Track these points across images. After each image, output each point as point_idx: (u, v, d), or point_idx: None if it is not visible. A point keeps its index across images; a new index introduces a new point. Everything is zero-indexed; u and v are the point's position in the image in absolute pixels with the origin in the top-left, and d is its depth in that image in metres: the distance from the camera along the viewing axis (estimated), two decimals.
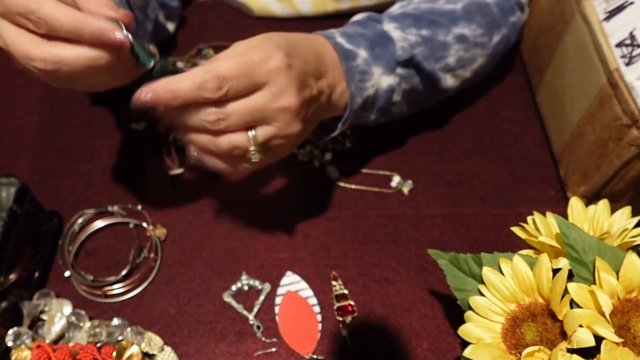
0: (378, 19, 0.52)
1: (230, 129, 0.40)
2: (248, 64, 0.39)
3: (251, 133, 0.41)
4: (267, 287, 0.52)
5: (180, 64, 0.68)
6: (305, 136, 0.46)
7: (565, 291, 0.35)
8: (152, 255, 0.54)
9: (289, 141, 0.43)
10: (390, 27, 0.51)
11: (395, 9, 0.56)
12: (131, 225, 0.56)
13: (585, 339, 0.33)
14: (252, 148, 0.41)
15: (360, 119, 0.52)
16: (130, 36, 0.37)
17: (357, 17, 0.54)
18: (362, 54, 0.48)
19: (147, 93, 0.38)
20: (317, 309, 0.51)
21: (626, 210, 0.43)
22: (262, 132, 0.41)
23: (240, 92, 0.39)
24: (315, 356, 0.48)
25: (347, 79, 0.47)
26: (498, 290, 0.39)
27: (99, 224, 0.56)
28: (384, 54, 0.49)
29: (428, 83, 0.54)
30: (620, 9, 0.49)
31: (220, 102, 0.39)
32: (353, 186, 0.59)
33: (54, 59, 0.35)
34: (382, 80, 0.50)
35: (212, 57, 0.42)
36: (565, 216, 0.41)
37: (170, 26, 0.69)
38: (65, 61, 0.35)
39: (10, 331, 0.46)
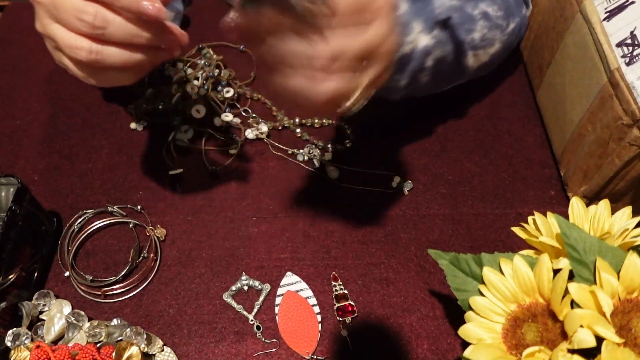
0: None
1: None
2: None
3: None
4: (267, 287, 0.52)
5: (179, 65, 0.68)
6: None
7: (566, 291, 0.35)
8: (151, 255, 0.54)
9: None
10: None
11: None
12: (131, 225, 0.56)
13: (586, 339, 0.33)
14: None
15: (390, 82, 0.50)
16: None
17: None
18: (404, 5, 0.47)
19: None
20: (317, 309, 0.51)
21: (627, 210, 0.42)
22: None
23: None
24: (315, 356, 0.48)
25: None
26: (498, 291, 0.39)
27: (99, 224, 0.56)
28: (424, 10, 0.48)
29: (456, 55, 0.53)
30: (620, 8, 0.49)
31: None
32: (353, 186, 0.59)
33: (99, 49, 0.37)
34: (420, 38, 0.48)
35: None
36: (566, 216, 0.41)
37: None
38: (108, 52, 0.37)
39: (10, 331, 0.46)
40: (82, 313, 0.49)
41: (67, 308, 0.49)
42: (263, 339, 0.49)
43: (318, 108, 0.36)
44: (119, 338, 0.48)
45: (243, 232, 0.56)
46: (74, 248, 0.54)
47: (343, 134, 0.63)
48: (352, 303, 0.51)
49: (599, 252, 0.37)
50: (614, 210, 0.42)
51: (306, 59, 0.33)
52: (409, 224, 0.56)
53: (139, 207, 0.57)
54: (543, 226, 0.42)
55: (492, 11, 0.54)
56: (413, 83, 0.53)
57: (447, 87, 0.59)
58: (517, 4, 0.58)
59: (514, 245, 0.54)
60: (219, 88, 0.66)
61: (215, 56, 0.69)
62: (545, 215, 0.43)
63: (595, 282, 0.36)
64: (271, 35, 0.33)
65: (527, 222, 0.44)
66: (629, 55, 0.46)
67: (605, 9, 0.50)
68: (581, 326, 0.33)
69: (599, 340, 0.33)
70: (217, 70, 0.67)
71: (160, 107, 0.63)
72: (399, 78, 0.51)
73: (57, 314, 0.49)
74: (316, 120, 0.63)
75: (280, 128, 0.64)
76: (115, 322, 0.49)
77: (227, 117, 0.63)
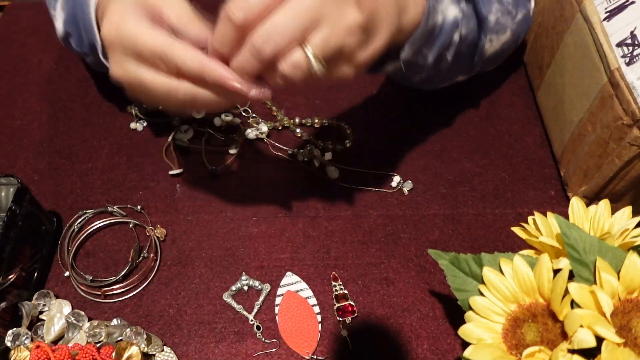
0: None
1: (280, 48, 0.35)
2: (299, 5, 0.34)
3: (306, 48, 0.35)
4: (267, 287, 0.52)
5: None
6: (378, 37, 0.39)
7: (566, 291, 0.35)
8: (151, 255, 0.54)
9: (353, 38, 0.36)
10: None
11: None
12: (131, 225, 0.56)
13: (586, 339, 0.33)
14: (312, 62, 0.35)
15: (418, 56, 0.48)
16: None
17: None
18: None
19: (229, 16, 0.35)
20: (317, 309, 0.51)
21: (627, 210, 0.42)
22: (317, 39, 0.35)
23: (266, 4, 0.34)
24: (315, 356, 0.48)
25: None
26: (498, 291, 0.39)
27: (99, 224, 0.56)
28: None
29: (476, 35, 0.53)
30: (620, 8, 0.49)
31: (258, 24, 0.35)
32: (353, 186, 0.59)
33: (194, 93, 0.38)
34: (450, 9, 0.48)
35: None
36: (566, 216, 0.41)
37: None
38: (202, 95, 0.38)
39: (10, 331, 0.46)
40: (82, 313, 0.49)
41: (67, 308, 0.49)
42: (263, 339, 0.49)
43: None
44: (119, 338, 0.48)
45: (243, 232, 0.56)
46: (74, 248, 0.54)
47: (343, 134, 0.63)
48: (352, 303, 0.51)
49: (599, 252, 0.37)
50: (614, 210, 0.42)
51: (252, 52, 0.35)
52: (409, 224, 0.56)
53: (139, 207, 0.57)
54: (543, 226, 0.42)
55: None
56: (438, 62, 0.51)
57: (457, 79, 0.58)
58: None
59: (514, 245, 0.54)
60: None
61: None
62: (545, 215, 0.43)
63: (595, 282, 0.36)
64: None
65: (527, 222, 0.44)
66: (629, 55, 0.46)
67: (605, 9, 0.50)
68: (581, 326, 0.33)
69: (599, 340, 0.33)
70: None
71: (160, 107, 0.63)
72: (427, 54, 0.49)
73: (57, 314, 0.49)
74: (316, 120, 0.63)
75: (280, 128, 0.64)
76: (115, 322, 0.49)
77: (227, 117, 0.63)
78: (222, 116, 0.63)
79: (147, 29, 0.37)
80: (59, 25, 0.55)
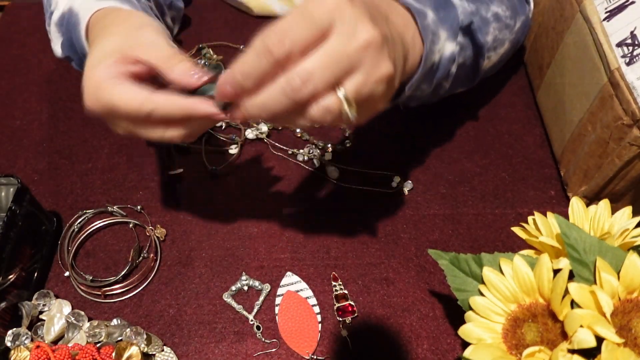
0: None
1: (317, 91, 0.34)
2: (304, 10, 0.34)
3: (340, 92, 0.35)
4: (267, 287, 0.52)
5: None
6: (396, 85, 0.40)
7: (566, 291, 0.35)
8: (151, 255, 0.54)
9: (382, 87, 0.37)
10: None
11: None
12: (131, 225, 0.56)
13: (586, 339, 0.33)
14: (345, 107, 0.35)
15: (415, 92, 0.49)
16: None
17: None
18: (430, 14, 0.45)
19: (225, 86, 0.35)
20: (317, 309, 0.51)
21: (627, 210, 0.42)
22: (351, 85, 0.35)
23: (308, 41, 0.34)
24: (315, 356, 0.48)
25: (422, 36, 0.44)
26: (498, 291, 0.39)
27: (99, 224, 0.56)
28: (448, 18, 0.47)
29: (474, 59, 0.53)
30: (620, 8, 0.49)
31: (294, 62, 0.34)
32: (353, 186, 0.59)
33: (189, 133, 0.40)
34: (447, 46, 0.48)
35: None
36: (566, 216, 0.41)
37: (176, 28, 0.70)
38: (194, 129, 0.40)
39: (10, 331, 0.46)
40: (82, 313, 0.49)
41: (67, 308, 0.49)
42: (263, 339, 0.49)
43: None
44: (119, 338, 0.48)
45: (243, 232, 0.56)
46: (74, 248, 0.54)
47: (343, 134, 0.63)
48: (352, 303, 0.51)
49: (599, 252, 0.37)
50: (614, 210, 0.42)
51: (284, 94, 0.35)
52: (409, 224, 0.56)
53: (139, 207, 0.57)
54: (543, 226, 0.42)
55: (502, 11, 0.54)
56: (436, 91, 0.52)
57: (456, 92, 0.58)
58: (520, 2, 0.58)
59: (514, 245, 0.54)
60: None
61: (215, 56, 0.69)
62: (545, 215, 0.43)
63: (595, 282, 0.36)
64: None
65: (527, 222, 0.44)
66: (629, 55, 0.46)
67: (605, 9, 0.50)
68: (581, 326, 0.33)
69: (599, 340, 0.32)
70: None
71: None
72: (426, 87, 0.50)
73: (57, 314, 0.49)
74: None
75: (280, 128, 0.64)
76: (115, 322, 0.49)
77: None
78: None
79: (122, 93, 0.38)
80: (57, 48, 0.55)
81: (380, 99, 0.38)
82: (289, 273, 0.53)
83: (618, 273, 0.35)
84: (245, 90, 0.35)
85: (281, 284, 0.52)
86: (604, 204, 0.43)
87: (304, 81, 0.34)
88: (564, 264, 0.37)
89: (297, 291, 0.51)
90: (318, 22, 0.33)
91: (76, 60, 0.54)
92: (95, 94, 0.39)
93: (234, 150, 0.61)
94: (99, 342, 0.48)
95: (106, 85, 0.38)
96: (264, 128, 0.63)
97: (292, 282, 0.52)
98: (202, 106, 0.38)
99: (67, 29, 0.51)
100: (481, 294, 0.40)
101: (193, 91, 0.39)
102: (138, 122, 0.39)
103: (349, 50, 0.34)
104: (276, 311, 0.51)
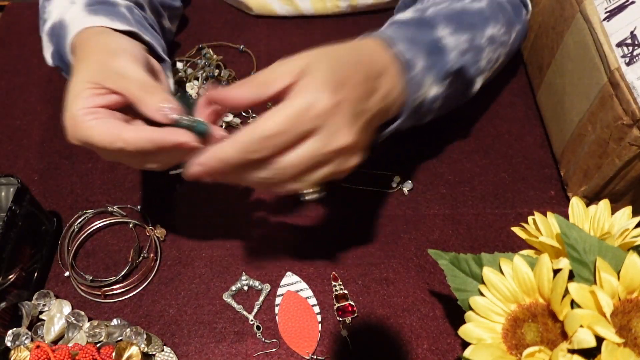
0: (432, 23, 0.48)
1: (287, 180, 0.39)
2: (292, 116, 0.36)
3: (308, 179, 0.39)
4: (267, 287, 0.52)
5: (179, 65, 0.68)
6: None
7: (566, 291, 0.35)
8: (151, 255, 0.54)
9: (347, 171, 0.41)
10: (445, 33, 0.48)
11: (429, 7, 0.52)
12: (131, 225, 0.56)
13: (586, 339, 0.33)
14: (311, 190, 0.40)
15: (398, 127, 0.50)
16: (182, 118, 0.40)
17: (409, 16, 0.50)
18: (420, 63, 0.45)
19: (197, 167, 0.38)
20: (317, 309, 0.51)
21: (627, 210, 0.42)
22: (319, 175, 0.39)
23: (290, 145, 0.37)
24: (315, 356, 0.48)
25: (405, 91, 0.45)
26: (498, 291, 0.39)
27: (99, 224, 0.56)
28: (437, 64, 0.47)
29: (463, 88, 0.53)
30: (620, 8, 0.49)
31: (270, 158, 0.37)
32: (353, 186, 0.59)
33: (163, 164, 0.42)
34: (431, 90, 0.48)
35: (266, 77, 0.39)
36: (566, 216, 0.41)
37: (174, 27, 0.70)
38: (168, 159, 0.42)
39: (10, 331, 0.46)
40: (82, 313, 0.49)
41: (67, 308, 0.49)
42: (263, 339, 0.49)
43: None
44: (119, 338, 0.48)
45: (243, 232, 0.56)
46: (74, 248, 0.54)
47: None
48: (352, 303, 0.51)
49: (599, 252, 0.37)
50: (614, 210, 0.42)
51: (255, 179, 0.39)
52: (409, 224, 0.56)
53: (139, 207, 0.57)
54: (543, 226, 0.42)
55: (496, 31, 0.52)
56: (419, 121, 0.52)
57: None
58: (516, 11, 0.56)
59: (514, 245, 0.54)
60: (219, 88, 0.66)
61: (215, 56, 0.69)
62: (545, 215, 0.43)
63: (595, 282, 0.36)
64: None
65: (527, 222, 0.44)
66: (629, 55, 0.46)
67: (605, 9, 0.50)
68: (581, 326, 0.33)
69: (599, 340, 0.32)
70: (217, 70, 0.67)
71: None
72: (407, 123, 0.50)
73: (57, 314, 0.49)
74: None
75: None
76: (115, 322, 0.49)
77: (227, 117, 0.63)
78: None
79: (95, 130, 0.39)
80: (48, 57, 0.55)
81: (345, 173, 0.41)
82: (289, 273, 0.53)
83: (618, 273, 0.35)
84: (215, 175, 0.38)
85: (281, 284, 0.52)
86: (604, 204, 0.43)
87: (276, 174, 0.38)
88: (564, 264, 0.37)
89: (297, 291, 0.51)
90: (304, 128, 0.37)
91: (66, 70, 0.54)
92: (73, 130, 0.40)
93: None
94: (99, 342, 0.48)
95: (81, 122, 0.39)
96: None
97: (292, 282, 0.52)
98: (173, 137, 0.39)
99: (57, 40, 0.51)
100: (481, 294, 0.40)
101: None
102: (115, 154, 0.41)
103: (323, 152, 0.38)
104: (276, 311, 0.51)
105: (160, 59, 0.51)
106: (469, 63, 0.49)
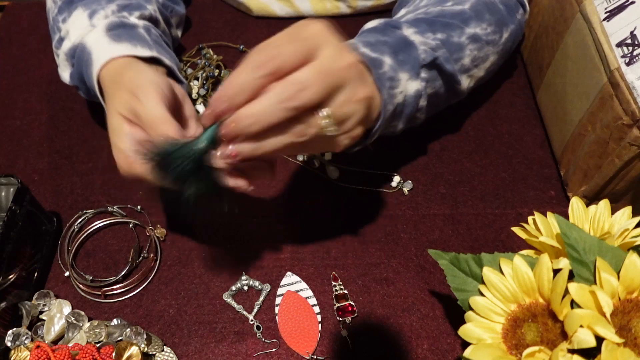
0: (396, 25, 0.50)
1: (311, 102, 0.37)
2: (292, 31, 0.37)
3: (324, 111, 0.38)
4: (267, 287, 0.52)
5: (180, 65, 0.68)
6: (373, 114, 0.45)
7: (566, 291, 0.35)
8: (151, 255, 0.54)
9: (361, 107, 0.41)
10: (409, 32, 0.50)
11: (405, 14, 0.55)
12: (131, 225, 0.56)
13: (586, 339, 0.33)
14: (329, 122, 0.38)
15: (388, 129, 0.51)
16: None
17: (373, 24, 0.52)
18: (387, 60, 0.47)
19: (218, 101, 0.37)
20: (317, 309, 0.51)
21: (627, 210, 0.42)
22: (335, 101, 0.38)
23: (297, 59, 0.36)
24: (315, 356, 0.48)
25: (378, 87, 0.46)
26: (498, 291, 0.39)
27: (99, 224, 0.56)
28: (408, 59, 0.48)
29: (448, 85, 0.53)
30: (620, 8, 0.49)
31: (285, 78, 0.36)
32: (353, 186, 0.59)
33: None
34: (409, 85, 0.49)
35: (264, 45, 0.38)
36: (566, 216, 0.41)
37: (179, 32, 0.70)
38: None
39: (10, 331, 0.46)
40: (82, 313, 0.49)
41: (67, 308, 0.49)
42: (263, 339, 0.49)
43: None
44: (119, 338, 0.48)
45: (243, 232, 0.56)
46: (74, 248, 0.54)
47: None
48: (352, 303, 0.51)
49: (599, 252, 0.37)
50: (614, 210, 0.42)
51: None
52: (409, 224, 0.56)
53: (139, 207, 0.57)
54: (543, 226, 0.42)
55: (481, 30, 0.53)
56: (411, 122, 0.53)
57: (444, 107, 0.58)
58: (510, 11, 0.57)
59: (514, 245, 0.54)
60: (219, 88, 0.66)
61: (215, 56, 0.69)
62: (545, 215, 0.43)
63: (595, 282, 0.36)
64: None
65: (527, 222, 0.44)
66: (629, 55, 0.46)
67: (605, 9, 0.50)
68: (581, 326, 0.33)
69: (599, 340, 0.33)
70: (217, 70, 0.67)
71: None
72: (397, 124, 0.51)
73: (57, 314, 0.49)
74: None
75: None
76: (115, 322, 0.49)
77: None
78: None
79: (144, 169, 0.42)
80: (65, 75, 0.56)
81: (358, 121, 0.41)
82: (289, 273, 0.53)
83: (618, 273, 0.35)
84: (237, 105, 0.36)
85: (281, 284, 0.52)
86: (604, 204, 0.43)
87: (299, 89, 0.36)
88: (564, 264, 0.37)
89: (297, 291, 0.51)
90: (306, 42, 0.37)
91: (84, 90, 0.55)
92: (129, 169, 0.44)
93: None
94: (99, 342, 0.48)
95: (133, 161, 0.43)
96: None
97: (292, 282, 0.52)
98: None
99: (77, 63, 0.52)
100: (481, 294, 0.40)
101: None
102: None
103: (336, 68, 0.37)
104: (276, 311, 0.51)
105: (179, 81, 0.52)
106: (444, 58, 0.50)
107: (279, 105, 0.36)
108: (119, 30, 0.51)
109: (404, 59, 0.48)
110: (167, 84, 0.47)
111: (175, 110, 0.46)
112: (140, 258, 0.54)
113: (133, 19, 0.54)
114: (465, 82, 0.54)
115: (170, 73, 0.53)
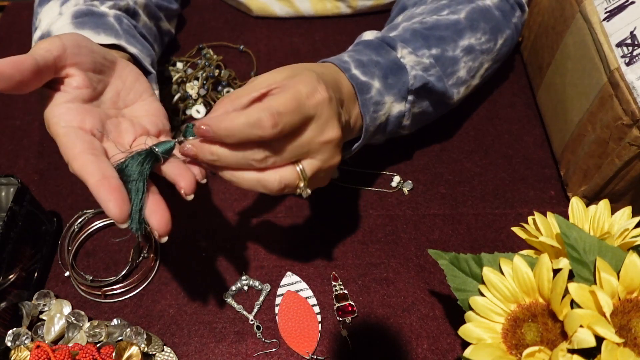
0: (392, 44, 0.50)
1: (277, 165, 0.39)
2: (299, 98, 0.37)
3: (299, 167, 0.39)
4: (267, 287, 0.52)
5: (179, 65, 0.68)
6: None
7: (566, 291, 0.35)
8: (151, 255, 0.54)
9: (329, 173, 0.43)
10: (404, 53, 0.50)
11: (402, 22, 0.54)
12: None
13: (585, 339, 0.33)
14: (302, 184, 0.40)
15: (370, 141, 0.52)
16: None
17: (370, 37, 0.52)
18: (376, 84, 0.47)
19: (203, 125, 0.37)
20: (317, 309, 0.51)
21: (627, 210, 0.42)
22: (308, 166, 0.40)
23: (294, 128, 0.38)
24: (315, 356, 0.48)
25: (362, 112, 0.47)
26: (498, 291, 0.39)
27: (99, 224, 0.56)
28: (397, 83, 0.49)
29: (438, 102, 0.54)
30: (620, 8, 0.49)
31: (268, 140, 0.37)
32: (353, 186, 0.59)
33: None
34: (394, 107, 0.50)
35: (250, 85, 0.40)
36: (566, 216, 0.41)
37: (172, 28, 0.70)
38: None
39: (10, 331, 0.46)
40: (82, 313, 0.49)
41: (67, 308, 0.49)
42: (263, 339, 0.49)
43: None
44: (119, 338, 0.48)
45: (243, 232, 0.56)
46: (74, 248, 0.54)
47: None
48: (352, 303, 0.51)
49: (599, 252, 0.37)
50: (614, 210, 0.42)
51: (246, 161, 0.39)
52: (409, 224, 0.56)
53: None
54: (543, 226, 0.42)
55: (475, 40, 0.53)
56: (394, 135, 0.54)
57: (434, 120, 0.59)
58: (505, 16, 0.56)
59: (514, 245, 0.54)
60: (219, 88, 0.66)
61: (215, 56, 0.69)
62: (545, 215, 0.43)
63: (595, 282, 0.36)
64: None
65: (527, 222, 0.44)
66: (629, 55, 0.46)
67: (605, 9, 0.50)
68: (581, 326, 0.33)
69: (599, 340, 0.33)
70: (217, 70, 0.67)
71: None
72: (379, 137, 0.53)
73: (57, 314, 0.49)
74: None
75: None
76: (115, 322, 0.49)
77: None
78: None
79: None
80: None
81: (325, 181, 0.44)
82: (289, 273, 0.53)
83: (618, 273, 0.35)
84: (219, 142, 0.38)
85: (281, 284, 0.52)
86: (604, 204, 0.43)
87: (268, 156, 0.38)
88: (564, 264, 0.37)
89: (297, 291, 0.51)
90: (306, 113, 0.38)
91: None
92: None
93: None
94: (99, 342, 0.48)
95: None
96: None
97: (292, 282, 0.52)
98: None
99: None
100: (481, 294, 0.40)
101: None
102: None
103: (315, 142, 0.39)
104: (276, 311, 0.51)
105: (146, 72, 0.51)
106: (437, 77, 0.51)
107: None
108: (85, 18, 0.50)
109: (393, 83, 0.49)
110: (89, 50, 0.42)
111: (101, 72, 0.43)
112: (140, 258, 0.54)
113: (103, 7, 0.53)
114: (461, 93, 0.55)
115: (137, 63, 0.51)
